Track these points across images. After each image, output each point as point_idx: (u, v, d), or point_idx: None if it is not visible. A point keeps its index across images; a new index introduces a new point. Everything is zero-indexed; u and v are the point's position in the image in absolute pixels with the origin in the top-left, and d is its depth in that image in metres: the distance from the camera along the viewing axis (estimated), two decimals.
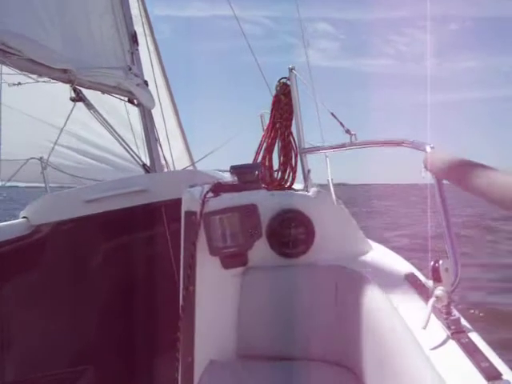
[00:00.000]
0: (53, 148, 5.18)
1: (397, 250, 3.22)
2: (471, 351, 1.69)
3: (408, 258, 2.86)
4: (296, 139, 3.39)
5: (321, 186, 3.39)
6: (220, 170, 4.66)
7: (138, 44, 5.32)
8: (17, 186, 6.98)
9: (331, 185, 4.08)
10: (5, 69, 3.71)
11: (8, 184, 5.55)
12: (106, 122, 4.97)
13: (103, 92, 4.77)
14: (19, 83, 4.19)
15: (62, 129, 4.96)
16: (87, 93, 4.61)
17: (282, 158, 3.38)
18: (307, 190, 3.20)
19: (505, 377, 1.53)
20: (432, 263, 1.91)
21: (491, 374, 1.55)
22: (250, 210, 2.90)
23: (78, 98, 4.49)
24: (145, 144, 5.35)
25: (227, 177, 3.88)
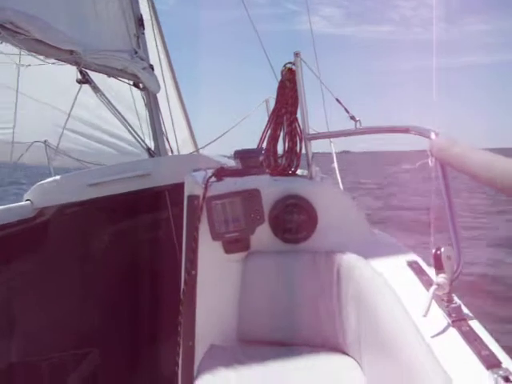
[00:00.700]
0: (62, 133, 5.20)
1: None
2: (471, 339, 1.68)
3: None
4: (301, 125, 3.38)
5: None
6: (224, 156, 4.66)
7: (143, 27, 5.31)
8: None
9: (337, 171, 4.07)
10: (13, 50, 3.71)
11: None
12: (112, 105, 4.96)
13: (109, 75, 4.77)
14: (29, 65, 4.19)
15: (69, 112, 4.96)
16: (93, 77, 4.61)
17: (286, 143, 3.36)
18: (311, 176, 3.20)
19: (504, 365, 1.53)
20: (434, 250, 1.91)
21: (491, 361, 1.55)
22: (253, 195, 2.90)
23: (85, 80, 4.49)
24: (150, 128, 5.35)
25: (231, 162, 3.88)
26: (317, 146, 3.47)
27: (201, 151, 6.89)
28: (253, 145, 3.58)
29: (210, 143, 5.91)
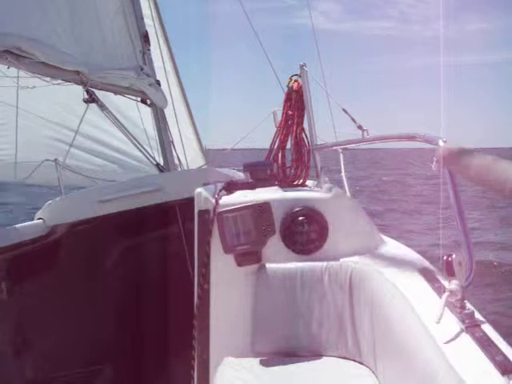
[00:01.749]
0: (68, 150, 5.21)
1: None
2: (485, 345, 1.68)
3: None
4: (308, 136, 3.39)
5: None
6: (233, 169, 4.67)
7: (149, 44, 5.33)
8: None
9: (345, 180, 4.07)
10: (18, 72, 3.74)
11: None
12: (119, 122, 4.99)
13: (116, 93, 4.79)
14: (34, 87, 4.22)
15: (76, 131, 4.99)
16: (100, 94, 4.64)
17: (294, 154, 3.38)
18: (320, 187, 3.20)
19: None
20: (445, 257, 1.91)
21: (506, 367, 1.55)
22: (263, 208, 2.90)
23: (91, 99, 4.51)
24: (158, 144, 5.37)
25: (240, 175, 3.89)
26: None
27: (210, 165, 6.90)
28: (262, 157, 3.60)
29: (217, 157, 5.90)
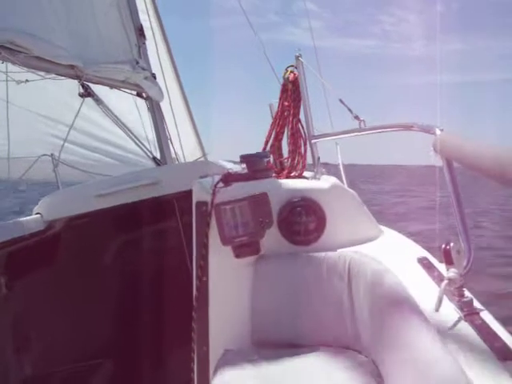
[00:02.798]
0: (63, 145, 5.20)
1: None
2: (484, 332, 1.69)
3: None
4: (305, 127, 3.39)
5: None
6: (230, 161, 4.67)
7: (145, 37, 5.32)
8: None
9: (342, 171, 4.07)
10: (12, 67, 3.73)
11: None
12: (115, 116, 4.98)
13: (111, 87, 4.78)
14: (27, 80, 4.21)
15: (71, 125, 4.98)
16: (95, 88, 4.63)
17: (290, 145, 3.38)
18: (317, 178, 3.20)
19: None
20: (443, 246, 1.91)
21: (505, 354, 1.56)
22: (261, 199, 2.90)
23: (87, 93, 4.50)
24: (155, 137, 5.36)
25: (237, 167, 3.89)
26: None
27: (207, 156, 6.90)
28: (259, 147, 3.60)
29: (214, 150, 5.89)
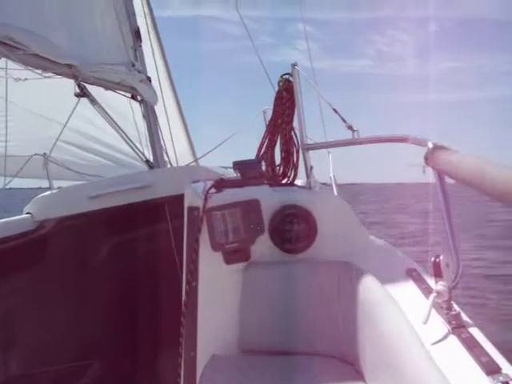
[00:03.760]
0: (54, 143, 5.20)
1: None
2: (471, 346, 1.70)
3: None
4: (298, 135, 3.40)
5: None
6: (223, 167, 4.67)
7: (141, 40, 5.33)
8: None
9: (333, 180, 4.08)
10: (10, 64, 3.72)
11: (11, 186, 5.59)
12: (110, 117, 4.98)
13: (107, 88, 4.78)
14: (26, 79, 4.21)
15: (64, 124, 4.97)
16: (91, 89, 4.63)
17: (283, 153, 3.39)
18: (309, 186, 3.21)
19: (504, 370, 1.55)
20: (433, 258, 1.92)
21: (491, 367, 1.57)
22: (253, 206, 2.91)
23: (83, 93, 4.50)
24: (148, 140, 5.36)
25: (230, 173, 3.89)
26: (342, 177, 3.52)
27: (199, 161, 6.90)
28: (252, 154, 3.60)
29: (207, 153, 5.89)
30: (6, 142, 5.37)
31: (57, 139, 5.20)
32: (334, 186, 4.22)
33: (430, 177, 1.99)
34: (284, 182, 3.42)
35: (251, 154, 3.61)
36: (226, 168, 4.55)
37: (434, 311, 1.91)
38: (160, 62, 6.79)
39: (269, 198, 3.00)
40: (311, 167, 3.31)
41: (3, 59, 3.50)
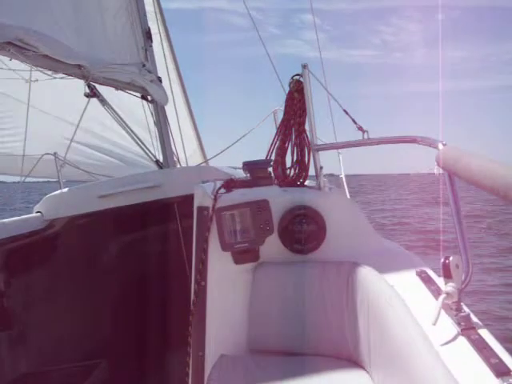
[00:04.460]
0: (69, 145, 5.21)
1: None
2: (481, 347, 1.69)
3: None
4: (309, 136, 3.39)
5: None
6: (233, 167, 4.67)
7: (151, 40, 5.34)
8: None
9: (344, 181, 4.07)
10: (21, 65, 3.74)
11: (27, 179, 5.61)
12: (120, 118, 4.99)
13: (117, 88, 4.79)
14: (36, 80, 4.22)
15: (77, 125, 4.98)
16: (101, 89, 4.64)
17: (295, 154, 3.38)
18: (319, 187, 3.21)
19: None
20: (442, 260, 1.91)
21: (501, 369, 1.56)
22: (262, 206, 2.91)
23: (93, 93, 4.52)
24: (158, 140, 5.37)
25: (240, 173, 3.89)
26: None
27: (210, 162, 6.91)
28: (262, 155, 3.60)
29: (217, 154, 5.89)
30: (24, 141, 5.37)
31: (71, 140, 5.22)
32: (345, 186, 4.22)
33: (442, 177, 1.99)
34: (294, 182, 3.41)
35: (262, 154, 3.60)
36: (235, 168, 4.55)
37: (443, 312, 1.90)
38: (170, 62, 6.80)
39: (278, 199, 3.00)
40: (321, 168, 3.31)
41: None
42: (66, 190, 4.48)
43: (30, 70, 4.00)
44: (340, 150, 4.15)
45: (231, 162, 5.00)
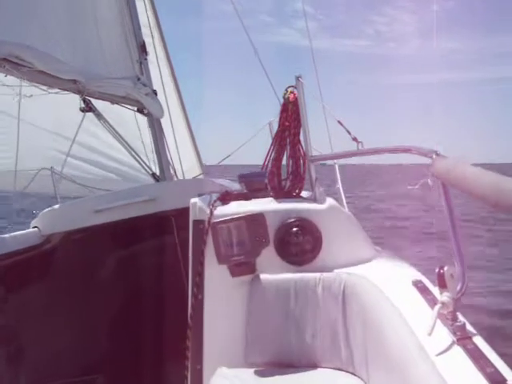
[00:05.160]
0: (65, 159, 5.21)
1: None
2: (477, 357, 1.69)
3: None
4: (304, 147, 3.40)
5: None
6: (229, 179, 4.68)
7: (146, 53, 5.35)
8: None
9: (341, 192, 4.07)
10: (16, 81, 3.75)
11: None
12: (116, 131, 5.00)
13: (112, 102, 4.80)
14: (31, 95, 4.23)
15: (73, 139, 4.98)
16: (97, 103, 4.65)
17: (290, 166, 3.38)
18: (315, 198, 3.21)
19: (510, 382, 1.53)
20: (437, 269, 1.91)
21: (496, 379, 1.56)
22: (258, 219, 2.92)
23: (88, 108, 4.52)
24: (154, 153, 5.37)
25: (236, 185, 3.90)
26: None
27: (207, 169, 6.89)
28: (257, 166, 3.60)
29: (214, 165, 5.88)
30: (16, 157, 5.36)
31: (67, 155, 5.22)
32: (342, 197, 4.22)
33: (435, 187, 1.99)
34: (290, 194, 3.41)
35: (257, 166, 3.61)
36: (231, 181, 4.55)
37: (439, 322, 1.90)
38: (167, 74, 6.79)
39: (274, 211, 3.00)
40: (316, 179, 3.31)
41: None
42: (62, 204, 4.48)
43: (20, 86, 3.98)
44: (336, 162, 4.15)
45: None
